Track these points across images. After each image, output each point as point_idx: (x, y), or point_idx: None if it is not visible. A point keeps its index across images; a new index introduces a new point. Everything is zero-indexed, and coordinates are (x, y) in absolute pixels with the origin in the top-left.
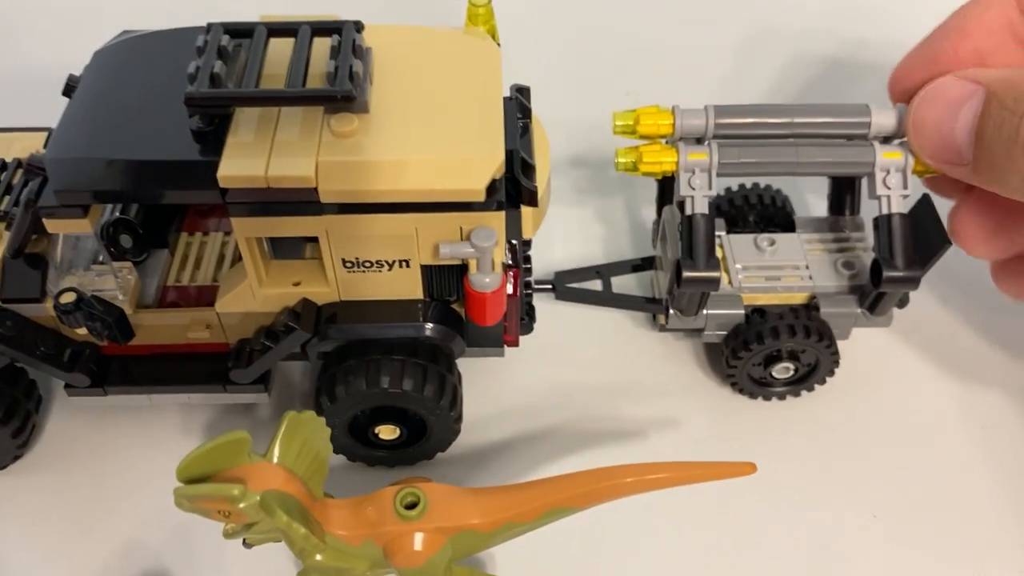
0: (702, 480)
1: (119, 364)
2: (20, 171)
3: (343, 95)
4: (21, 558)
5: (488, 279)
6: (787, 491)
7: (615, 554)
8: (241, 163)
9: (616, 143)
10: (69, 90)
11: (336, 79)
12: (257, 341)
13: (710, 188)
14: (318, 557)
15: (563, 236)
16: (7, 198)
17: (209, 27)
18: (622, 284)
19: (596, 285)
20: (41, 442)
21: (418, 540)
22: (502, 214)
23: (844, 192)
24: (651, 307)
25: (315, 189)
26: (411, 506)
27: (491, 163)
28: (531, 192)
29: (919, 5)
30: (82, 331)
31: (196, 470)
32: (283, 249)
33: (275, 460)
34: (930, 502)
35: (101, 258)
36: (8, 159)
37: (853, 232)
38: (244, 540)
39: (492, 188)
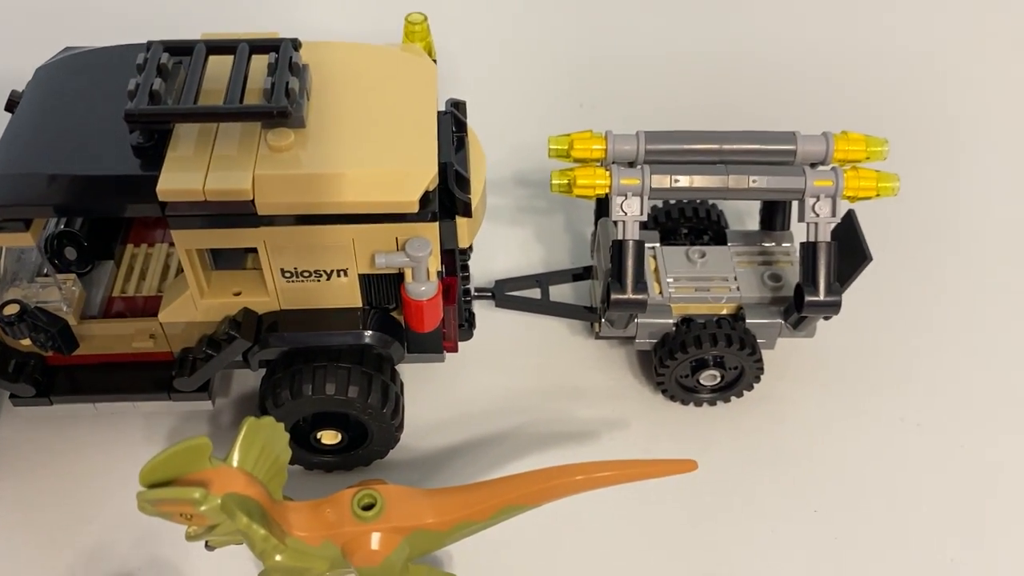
0: (648, 477)
1: (64, 374)
2: None
3: (278, 111)
4: None
5: (423, 287)
6: (729, 489)
7: (568, 550)
8: (180, 177)
9: (568, 162)
10: (11, 105)
11: (272, 95)
12: (200, 350)
13: (641, 212)
14: (278, 558)
15: (504, 248)
16: None
17: (149, 45)
18: (561, 293)
19: (535, 294)
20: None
21: (375, 540)
22: (436, 225)
23: (775, 208)
24: (587, 315)
25: (252, 202)
26: (368, 507)
27: (424, 176)
28: (465, 203)
29: (855, 34)
30: (27, 342)
31: (158, 475)
32: (224, 259)
33: (235, 464)
34: (868, 494)
35: (45, 270)
36: None
37: (781, 246)
38: (207, 543)
39: (425, 200)
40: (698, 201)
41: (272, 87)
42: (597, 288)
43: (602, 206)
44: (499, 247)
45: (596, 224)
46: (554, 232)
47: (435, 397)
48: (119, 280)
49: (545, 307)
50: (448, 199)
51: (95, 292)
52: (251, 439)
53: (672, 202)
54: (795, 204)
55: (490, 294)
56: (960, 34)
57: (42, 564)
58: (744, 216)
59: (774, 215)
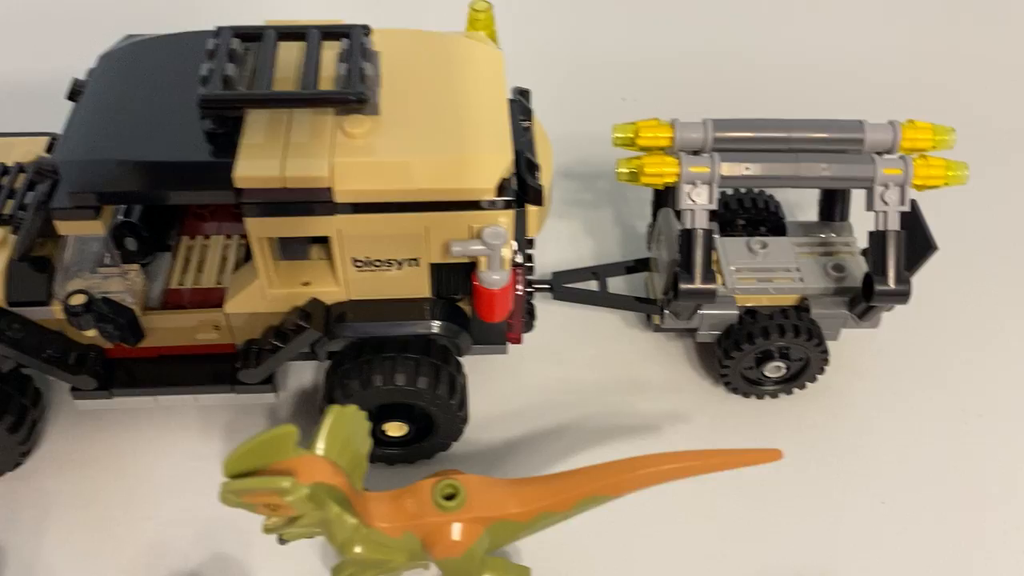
0: (733, 467)
1: (124, 367)
2: (22, 175)
3: (357, 97)
4: (45, 561)
5: (497, 276)
6: (794, 481)
7: (633, 543)
8: (257, 163)
9: (614, 153)
10: (75, 94)
11: (349, 81)
12: (266, 341)
13: (710, 201)
14: (358, 549)
15: (554, 240)
16: (10, 202)
17: (219, 31)
18: (615, 286)
19: (592, 286)
20: (52, 445)
21: (457, 531)
22: (511, 212)
23: (835, 199)
24: (647, 307)
25: (330, 189)
26: (450, 497)
27: (501, 162)
28: (536, 191)
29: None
30: (91, 333)
31: (243, 465)
32: (289, 250)
33: (320, 452)
34: (933, 485)
35: (107, 260)
36: (9, 163)
37: (841, 237)
38: (280, 536)
39: (502, 187)
40: (756, 191)
41: (348, 73)
42: (656, 280)
43: (661, 197)
44: (548, 239)
45: (654, 215)
46: (602, 225)
47: (493, 390)
48: (176, 272)
49: (604, 299)
50: (520, 186)
51: (154, 284)
52: (336, 427)
53: (729, 192)
54: (854, 194)
55: (548, 286)
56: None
57: (103, 561)
58: (794, 208)
59: (833, 206)
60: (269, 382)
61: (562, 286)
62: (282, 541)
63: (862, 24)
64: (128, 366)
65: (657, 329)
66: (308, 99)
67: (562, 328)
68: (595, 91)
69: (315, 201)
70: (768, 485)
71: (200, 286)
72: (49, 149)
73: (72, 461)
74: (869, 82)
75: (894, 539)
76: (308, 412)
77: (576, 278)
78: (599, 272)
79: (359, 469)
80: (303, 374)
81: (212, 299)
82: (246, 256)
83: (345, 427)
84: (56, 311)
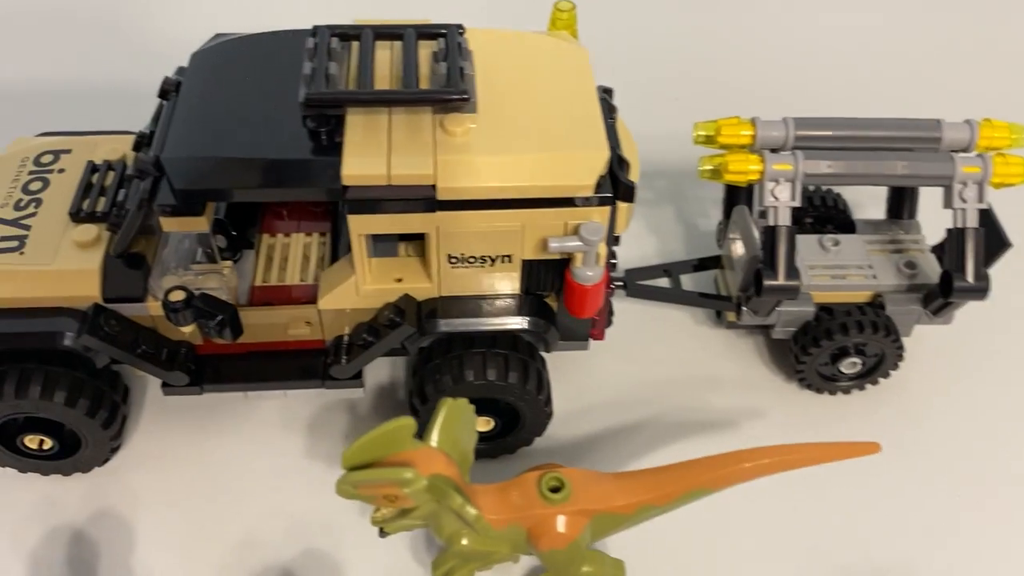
0: (832, 460)
1: (212, 363)
2: (111, 173)
3: (460, 96)
4: (138, 557)
5: (591, 272)
6: (871, 476)
7: (715, 536)
8: (363, 161)
9: (671, 152)
10: (165, 93)
11: (450, 80)
12: (358, 336)
13: (793, 199)
14: (465, 542)
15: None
16: (102, 199)
17: (316, 30)
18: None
19: (662, 283)
20: (138, 440)
21: (561, 523)
22: (607, 209)
23: (903, 197)
24: (722, 304)
25: (433, 187)
26: (555, 490)
27: (599, 159)
28: (629, 188)
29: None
30: (187, 330)
31: (361, 457)
32: (381, 247)
33: (434, 444)
34: (1008, 480)
35: (199, 258)
36: (97, 161)
37: (910, 234)
38: (381, 529)
39: (598, 184)
40: (824, 189)
41: (448, 72)
42: (729, 277)
43: (733, 195)
44: None
45: (725, 213)
46: (663, 223)
47: (569, 386)
48: (260, 269)
49: (679, 296)
50: (612, 183)
51: (241, 281)
52: (449, 420)
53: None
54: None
55: (623, 283)
56: None
57: (197, 556)
58: (854, 207)
59: (901, 204)
60: (358, 377)
61: (636, 283)
62: (383, 534)
63: (922, 22)
64: (216, 362)
65: (729, 326)
66: (414, 98)
67: (632, 325)
68: (647, 90)
69: (418, 198)
70: (844, 479)
71: (284, 283)
72: (136, 147)
73: (156, 457)
74: (933, 81)
75: (969, 531)
76: (386, 407)
77: (648, 275)
78: (671, 269)
79: (466, 462)
80: (379, 370)
81: (297, 296)
82: (333, 253)
83: (457, 420)
84: (151, 307)
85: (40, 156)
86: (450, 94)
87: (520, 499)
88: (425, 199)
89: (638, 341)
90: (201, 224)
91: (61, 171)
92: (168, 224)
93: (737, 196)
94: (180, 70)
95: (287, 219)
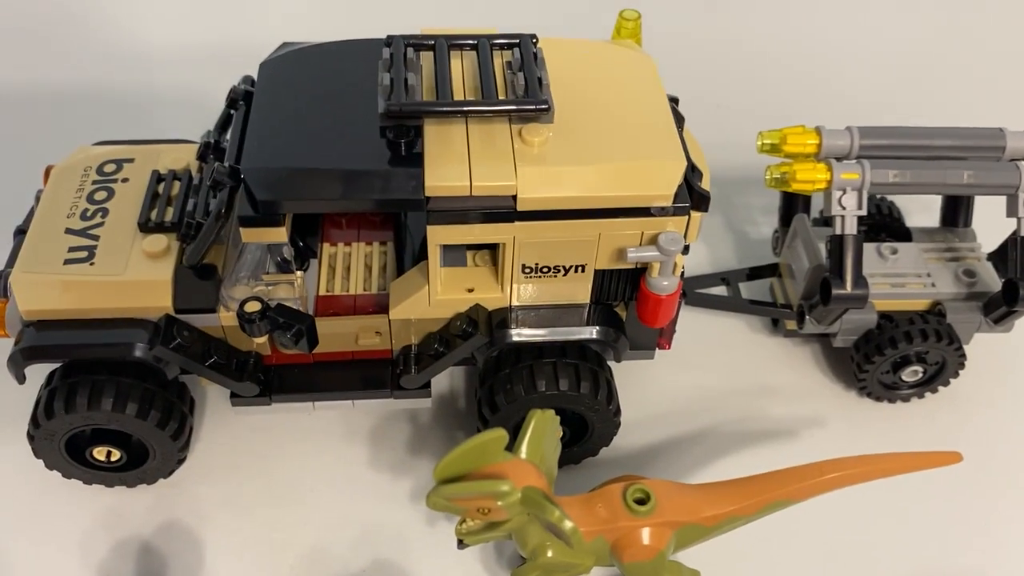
0: (914, 469)
1: (279, 373)
2: (177, 182)
3: (541, 107)
4: (208, 568)
5: (667, 282)
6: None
7: (785, 544)
8: (445, 171)
9: (717, 160)
10: (233, 103)
11: (529, 90)
12: (429, 346)
13: (859, 207)
14: (550, 554)
15: None
16: (169, 209)
17: (390, 40)
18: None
19: (719, 291)
20: (200, 452)
21: (647, 535)
22: (684, 219)
23: (959, 206)
24: (782, 313)
25: (514, 197)
26: (640, 502)
27: (677, 169)
28: (704, 197)
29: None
30: (260, 340)
31: (453, 470)
32: (450, 257)
33: (524, 456)
34: None
35: (269, 268)
36: (162, 171)
37: (966, 242)
38: (460, 541)
39: (677, 193)
40: (879, 198)
41: (527, 82)
42: (787, 285)
43: (790, 204)
44: None
45: (782, 222)
46: (713, 231)
47: (629, 396)
48: (323, 279)
49: (738, 305)
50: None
51: (308, 291)
52: (538, 431)
53: None
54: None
55: (682, 292)
56: None
57: (267, 566)
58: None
59: (957, 212)
60: (426, 387)
61: (694, 291)
62: (462, 545)
63: (972, 25)
64: (282, 372)
65: (788, 334)
66: (497, 109)
67: (687, 333)
68: (689, 97)
69: (499, 208)
70: (906, 491)
71: (348, 293)
72: (201, 157)
73: (219, 468)
74: (996, 87)
75: None
76: (446, 417)
77: (706, 283)
78: (728, 278)
79: (551, 474)
80: (438, 380)
81: (362, 305)
82: (398, 263)
83: (545, 431)
84: (222, 318)
85: (103, 165)
86: (532, 104)
87: (605, 511)
88: (505, 209)
89: (694, 350)
90: (280, 235)
91: (125, 180)
92: (248, 235)
93: (795, 205)
94: (246, 79)
95: (346, 228)
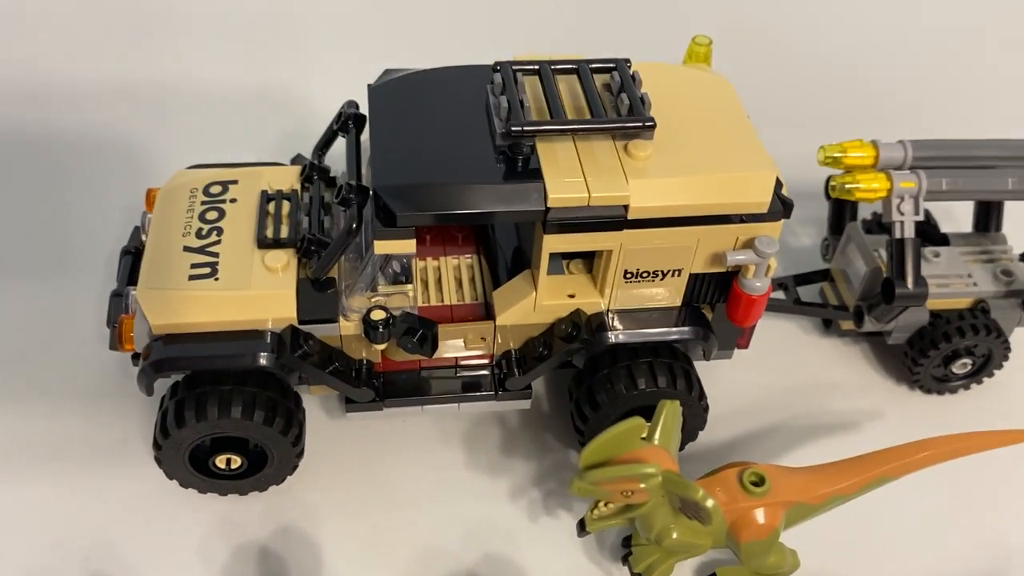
0: (996, 446)
1: (386, 379)
2: (286, 202)
3: (649, 123)
4: (327, 570)
5: (759, 283)
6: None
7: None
8: (565, 185)
9: None
10: (344, 126)
11: (634, 110)
12: (532, 350)
13: (916, 213)
14: (675, 535)
15: None
16: (282, 226)
17: (498, 65)
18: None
19: (777, 295)
20: (305, 460)
21: (761, 514)
22: (779, 224)
23: (990, 212)
24: (841, 314)
25: (626, 207)
26: (756, 484)
27: (771, 178)
28: (789, 204)
29: None
30: (380, 347)
31: (597, 456)
32: (552, 265)
33: (656, 442)
34: None
35: (381, 280)
36: (270, 191)
37: (998, 245)
38: (581, 528)
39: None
40: None
41: (631, 102)
42: (842, 288)
43: (840, 213)
44: None
45: (831, 230)
46: None
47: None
48: (418, 291)
49: (798, 308)
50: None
51: None
52: (669, 421)
53: None
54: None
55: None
56: None
57: (382, 566)
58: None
59: (989, 218)
60: (527, 389)
61: None
62: (583, 533)
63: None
64: (390, 378)
65: (842, 334)
66: (611, 127)
67: None
68: None
69: (611, 218)
70: (961, 480)
71: (443, 303)
72: (307, 178)
73: (326, 474)
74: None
75: None
76: (532, 419)
77: None
78: (785, 282)
79: (676, 460)
80: None
81: (459, 314)
82: (493, 274)
83: (674, 421)
84: (342, 327)
85: (208, 187)
86: (640, 121)
87: (724, 494)
88: (617, 218)
89: (754, 351)
90: (410, 246)
91: (233, 200)
92: (381, 247)
93: (844, 214)
94: (351, 103)
95: (429, 245)
